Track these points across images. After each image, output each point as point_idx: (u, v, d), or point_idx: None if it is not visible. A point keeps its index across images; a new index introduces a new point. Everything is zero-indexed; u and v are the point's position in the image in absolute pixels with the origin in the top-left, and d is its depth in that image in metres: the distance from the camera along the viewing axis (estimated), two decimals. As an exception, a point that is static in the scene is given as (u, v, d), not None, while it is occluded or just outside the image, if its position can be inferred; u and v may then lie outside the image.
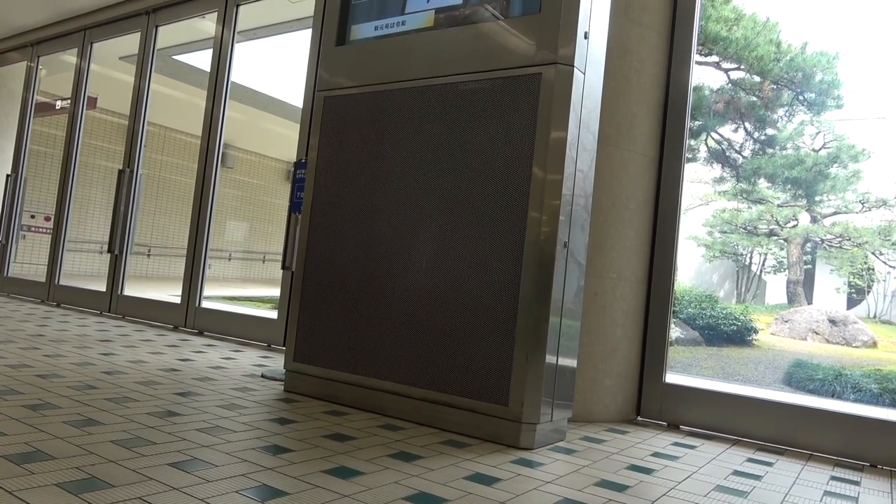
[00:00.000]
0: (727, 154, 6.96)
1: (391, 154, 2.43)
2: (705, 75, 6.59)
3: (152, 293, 5.37)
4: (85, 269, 8.77)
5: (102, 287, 5.03)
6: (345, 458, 1.78)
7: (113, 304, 4.91)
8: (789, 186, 6.59)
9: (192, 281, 4.41)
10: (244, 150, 12.36)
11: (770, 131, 6.75)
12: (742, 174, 6.92)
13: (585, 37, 2.16)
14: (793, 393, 4.56)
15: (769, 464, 2.17)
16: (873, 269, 6.27)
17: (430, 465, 1.78)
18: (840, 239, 6.40)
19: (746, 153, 6.84)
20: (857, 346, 5.78)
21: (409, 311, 2.30)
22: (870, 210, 6.20)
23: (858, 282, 6.36)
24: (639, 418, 2.75)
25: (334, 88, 2.63)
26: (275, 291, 4.23)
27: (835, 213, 6.44)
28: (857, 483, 2.03)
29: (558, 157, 2.08)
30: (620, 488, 1.74)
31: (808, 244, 6.75)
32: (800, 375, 4.96)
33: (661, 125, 2.84)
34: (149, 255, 10.75)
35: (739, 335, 5.95)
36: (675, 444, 2.35)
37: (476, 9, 2.31)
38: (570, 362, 2.22)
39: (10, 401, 2.05)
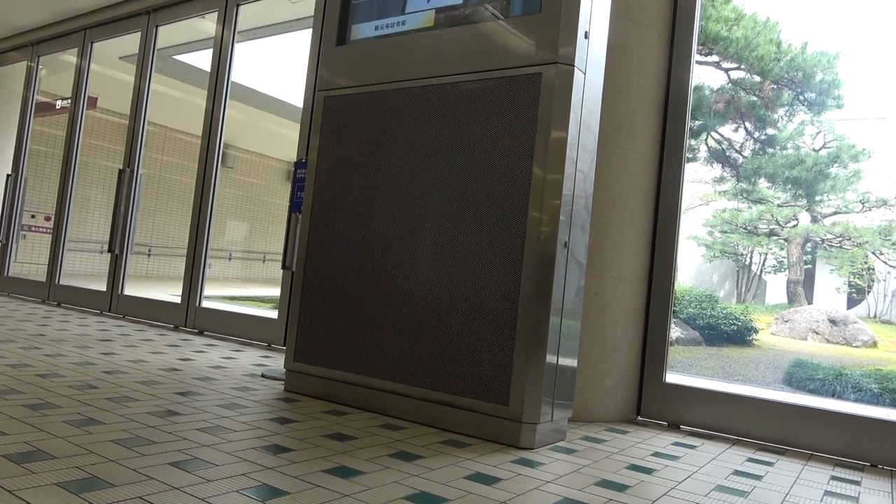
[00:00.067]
0: (727, 154, 6.96)
1: (392, 154, 2.43)
2: (706, 75, 6.60)
3: (153, 293, 5.37)
4: (85, 269, 8.77)
5: (103, 287, 5.03)
6: (345, 457, 1.78)
7: (113, 303, 4.92)
8: (789, 186, 6.59)
9: (193, 281, 4.41)
10: (244, 150, 12.36)
11: (770, 131, 6.76)
12: (742, 174, 6.92)
13: (586, 36, 2.16)
14: (793, 393, 4.57)
15: (770, 464, 2.17)
16: (873, 269, 6.28)
17: (430, 465, 1.78)
18: (840, 239, 6.40)
19: (747, 153, 6.84)
20: (857, 346, 5.78)
21: (410, 311, 2.30)
22: (870, 210, 6.20)
23: (859, 281, 6.36)
24: (639, 418, 2.75)
25: (334, 88, 2.63)
26: (275, 291, 4.23)
27: (835, 213, 6.44)
28: (857, 483, 2.03)
29: (558, 156, 2.08)
30: (621, 488, 1.74)
31: (809, 244, 6.75)
32: (800, 375, 4.96)
33: (662, 125, 2.84)
34: (149, 255, 10.76)
35: (739, 335, 5.95)
36: (676, 443, 2.35)
37: (476, 8, 2.31)
38: (571, 362, 2.22)
39: (11, 400, 2.05)
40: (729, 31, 6.36)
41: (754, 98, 6.61)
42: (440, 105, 2.32)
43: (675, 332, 5.71)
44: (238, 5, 4.53)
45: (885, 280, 6.22)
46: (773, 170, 6.61)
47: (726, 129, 6.84)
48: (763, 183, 6.85)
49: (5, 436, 1.67)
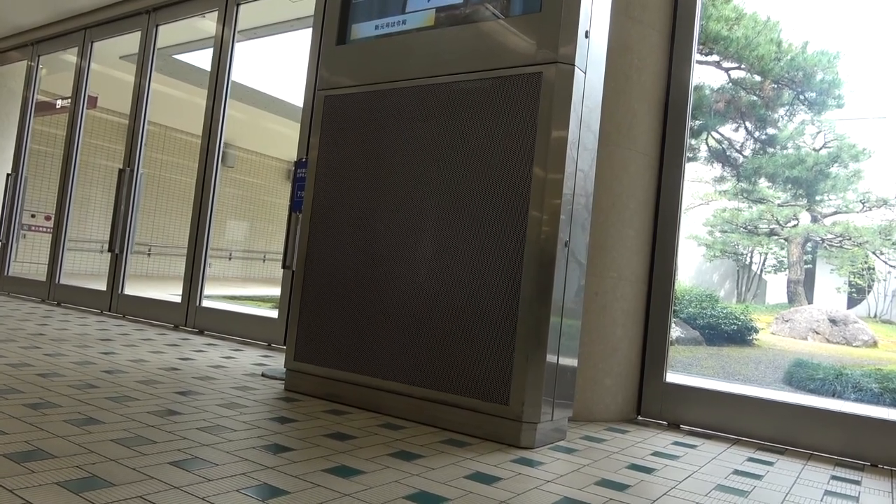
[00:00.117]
0: (728, 153, 6.96)
1: (392, 153, 2.43)
2: (706, 74, 6.60)
3: (153, 292, 5.37)
4: (85, 269, 8.78)
5: (103, 286, 5.03)
6: (345, 457, 1.78)
7: (113, 303, 4.92)
8: (790, 186, 6.59)
9: (193, 280, 4.41)
10: (245, 150, 12.36)
11: (771, 131, 6.76)
12: (742, 173, 6.92)
13: (586, 36, 2.16)
14: (793, 392, 4.56)
15: (770, 463, 2.17)
16: (874, 269, 6.28)
17: (430, 465, 1.78)
18: (840, 238, 6.40)
19: (747, 152, 6.84)
20: (857, 346, 5.78)
21: (410, 311, 2.30)
22: (870, 209, 6.20)
23: (859, 281, 6.36)
24: (639, 418, 2.75)
25: (335, 87, 2.63)
26: (275, 291, 4.23)
27: (835, 213, 6.45)
28: (857, 482, 2.03)
29: (559, 156, 2.08)
30: (621, 487, 1.74)
31: (809, 244, 6.75)
32: (800, 375, 4.96)
33: (662, 124, 2.84)
34: (149, 255, 10.76)
35: (740, 335, 5.95)
36: (676, 443, 2.35)
37: (477, 8, 2.31)
38: (571, 362, 2.22)
39: (11, 399, 2.05)
40: (729, 30, 6.36)
41: (755, 97, 6.61)
42: (440, 104, 2.32)
43: (675, 331, 5.71)
44: (238, 4, 4.53)
45: (885, 280, 6.22)
46: (774, 169, 6.61)
47: (727, 129, 6.84)
48: (763, 182, 6.85)
49: (5, 435, 1.67)
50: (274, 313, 4.02)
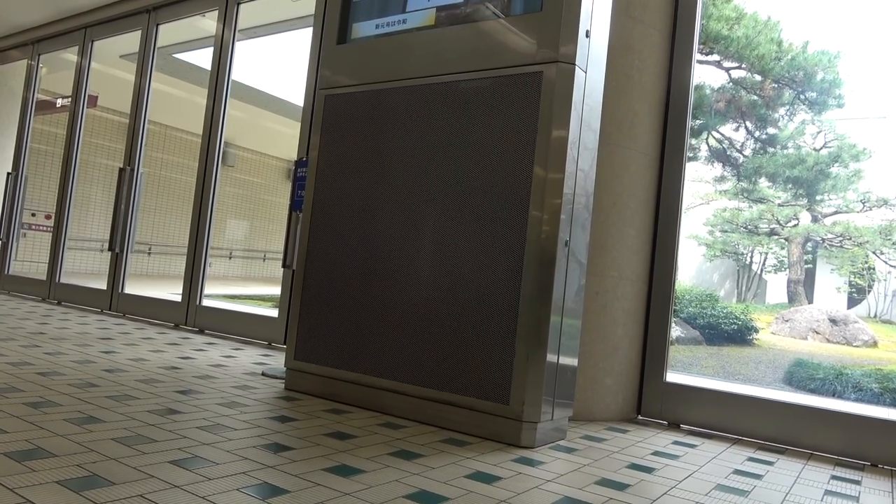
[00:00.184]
0: (728, 153, 6.96)
1: (392, 153, 2.43)
2: (706, 74, 6.60)
3: (153, 291, 5.37)
4: (86, 268, 8.78)
5: (103, 285, 5.03)
6: (345, 456, 1.78)
7: (114, 302, 4.92)
8: (790, 186, 6.59)
9: (193, 279, 4.41)
10: (245, 149, 12.36)
11: (771, 130, 6.75)
12: (743, 173, 6.92)
13: (587, 35, 2.16)
14: (794, 392, 4.56)
15: (770, 463, 2.17)
16: (874, 269, 6.28)
17: (430, 464, 1.78)
18: (841, 238, 6.40)
19: (747, 152, 6.84)
20: (857, 346, 5.78)
21: (410, 310, 2.30)
22: (871, 209, 6.20)
23: (859, 281, 6.36)
24: (639, 417, 2.75)
25: (335, 87, 2.63)
26: (275, 290, 4.23)
27: (836, 213, 6.44)
28: (857, 482, 2.03)
29: (559, 155, 2.08)
30: (621, 487, 1.74)
31: (809, 243, 6.75)
32: (800, 375, 4.96)
33: (663, 124, 2.84)
34: (149, 254, 10.76)
35: (740, 334, 5.95)
36: (676, 442, 2.35)
37: (477, 7, 2.31)
38: (571, 361, 2.22)
39: (11, 398, 2.05)
40: (730, 30, 6.36)
41: (755, 97, 6.60)
42: (441, 104, 2.32)
43: (675, 331, 5.71)
44: (238, 4, 4.53)
45: (885, 280, 6.22)
46: (774, 169, 6.61)
47: (727, 129, 6.84)
48: (764, 182, 6.85)
49: (6, 434, 1.67)
50: (274, 312, 4.02)
